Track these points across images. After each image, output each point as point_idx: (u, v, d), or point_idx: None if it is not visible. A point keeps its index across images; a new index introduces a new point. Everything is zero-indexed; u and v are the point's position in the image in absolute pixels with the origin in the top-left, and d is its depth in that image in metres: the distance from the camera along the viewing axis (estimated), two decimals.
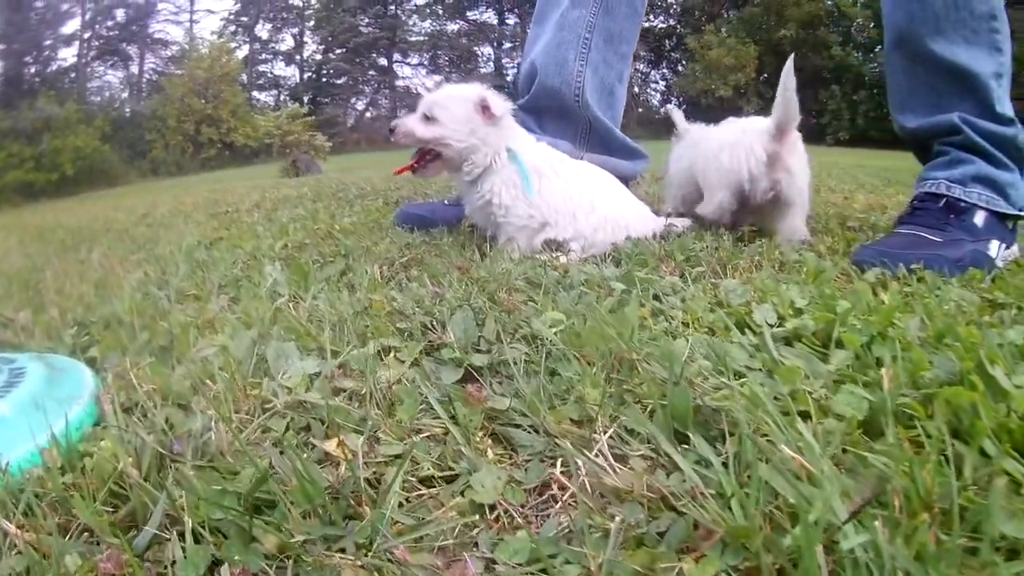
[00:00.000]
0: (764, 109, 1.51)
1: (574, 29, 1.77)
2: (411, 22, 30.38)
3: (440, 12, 29.94)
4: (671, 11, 27.93)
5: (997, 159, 1.39)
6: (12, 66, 23.54)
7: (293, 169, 9.57)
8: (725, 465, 0.54)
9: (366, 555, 0.47)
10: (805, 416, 0.64)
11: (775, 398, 0.67)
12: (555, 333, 0.82)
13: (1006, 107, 1.40)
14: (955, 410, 0.62)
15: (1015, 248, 1.37)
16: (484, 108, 1.46)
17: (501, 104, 1.47)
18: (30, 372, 0.87)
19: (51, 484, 0.56)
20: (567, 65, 1.76)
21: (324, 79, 29.48)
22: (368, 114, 30.59)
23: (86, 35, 26.63)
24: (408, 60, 30.92)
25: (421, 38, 30.34)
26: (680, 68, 28.71)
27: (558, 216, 1.48)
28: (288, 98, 28.40)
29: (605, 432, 0.62)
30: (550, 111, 1.82)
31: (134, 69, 28.37)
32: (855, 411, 0.64)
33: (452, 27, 31.46)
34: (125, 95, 27.81)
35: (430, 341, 0.86)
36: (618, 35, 1.80)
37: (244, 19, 29.23)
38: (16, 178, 17.84)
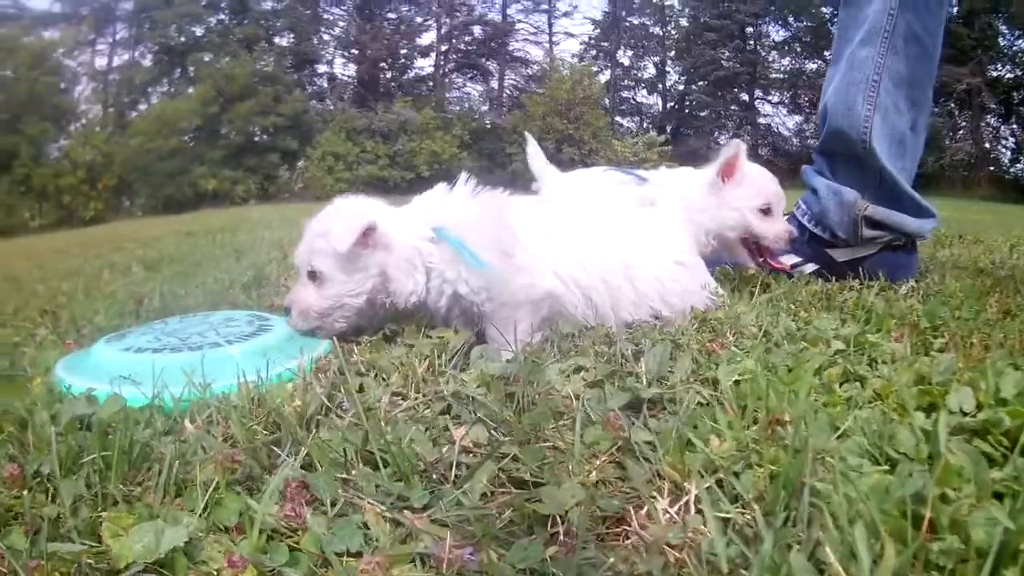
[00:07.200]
0: None
1: (862, 69, 1.66)
2: (770, 58, 28.33)
3: (798, 50, 27.56)
4: (1017, 60, 22.22)
5: None
6: (367, 70, 25.99)
7: None
8: None
9: None
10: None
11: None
12: None
13: None
14: None
15: None
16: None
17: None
18: (275, 329, 1.13)
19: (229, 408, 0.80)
20: (855, 108, 1.66)
21: (687, 110, 28.50)
22: None
23: (443, 48, 27.78)
24: (769, 98, 28.71)
25: (780, 76, 28.11)
26: None
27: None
28: (651, 126, 27.79)
29: None
30: (840, 156, 1.75)
31: (494, 84, 28.63)
32: (985, 537, 0.52)
33: (811, 66, 27.89)
34: (485, 108, 28.08)
35: None
36: (908, 79, 1.65)
37: (604, 44, 28.80)
38: (370, 173, 20.67)
